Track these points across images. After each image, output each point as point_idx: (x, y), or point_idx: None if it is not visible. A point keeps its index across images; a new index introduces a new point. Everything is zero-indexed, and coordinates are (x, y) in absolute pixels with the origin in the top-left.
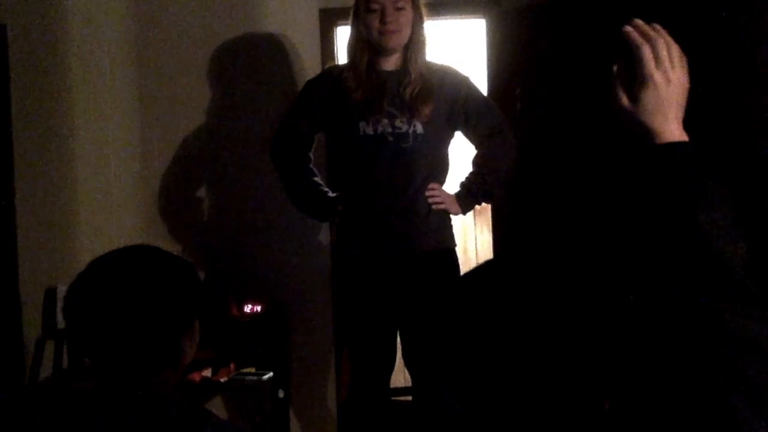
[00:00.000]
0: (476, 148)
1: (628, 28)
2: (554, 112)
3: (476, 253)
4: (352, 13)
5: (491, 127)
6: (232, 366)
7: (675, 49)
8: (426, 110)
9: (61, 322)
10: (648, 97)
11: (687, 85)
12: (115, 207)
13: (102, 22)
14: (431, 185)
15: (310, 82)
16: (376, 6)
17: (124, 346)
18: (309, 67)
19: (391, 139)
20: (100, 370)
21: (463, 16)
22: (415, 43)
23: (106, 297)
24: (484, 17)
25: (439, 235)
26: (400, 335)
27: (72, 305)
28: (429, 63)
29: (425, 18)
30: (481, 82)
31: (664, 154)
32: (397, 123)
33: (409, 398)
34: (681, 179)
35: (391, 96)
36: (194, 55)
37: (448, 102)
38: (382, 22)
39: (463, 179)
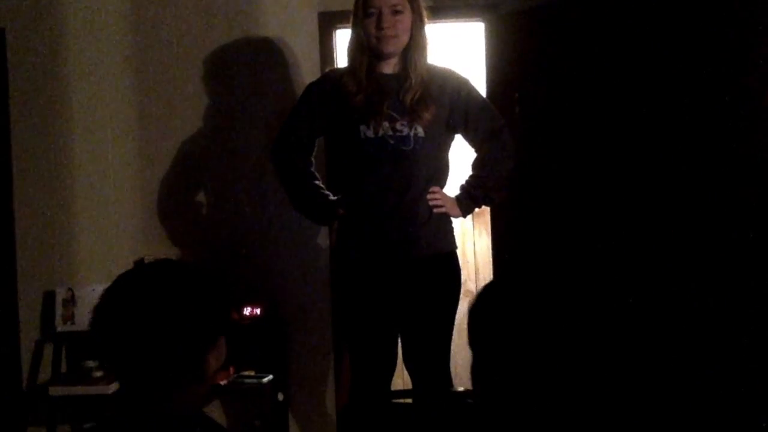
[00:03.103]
0: (476, 151)
1: None
2: (553, 116)
3: (474, 256)
4: (351, 16)
5: (491, 130)
6: (231, 369)
7: None
8: (427, 114)
9: (59, 325)
10: None
11: None
12: (113, 211)
13: (101, 26)
14: (432, 188)
15: (310, 86)
16: (373, 10)
17: (152, 362)
18: (308, 70)
19: (392, 142)
20: (128, 385)
21: (461, 20)
22: (415, 46)
23: (135, 314)
24: (482, 21)
25: (440, 238)
26: (401, 338)
27: (101, 321)
28: (429, 66)
29: (426, 21)
30: (479, 85)
31: None
32: (398, 126)
33: (409, 401)
34: None
35: (391, 99)
36: (193, 58)
37: (448, 105)
38: (379, 27)
39: (463, 182)
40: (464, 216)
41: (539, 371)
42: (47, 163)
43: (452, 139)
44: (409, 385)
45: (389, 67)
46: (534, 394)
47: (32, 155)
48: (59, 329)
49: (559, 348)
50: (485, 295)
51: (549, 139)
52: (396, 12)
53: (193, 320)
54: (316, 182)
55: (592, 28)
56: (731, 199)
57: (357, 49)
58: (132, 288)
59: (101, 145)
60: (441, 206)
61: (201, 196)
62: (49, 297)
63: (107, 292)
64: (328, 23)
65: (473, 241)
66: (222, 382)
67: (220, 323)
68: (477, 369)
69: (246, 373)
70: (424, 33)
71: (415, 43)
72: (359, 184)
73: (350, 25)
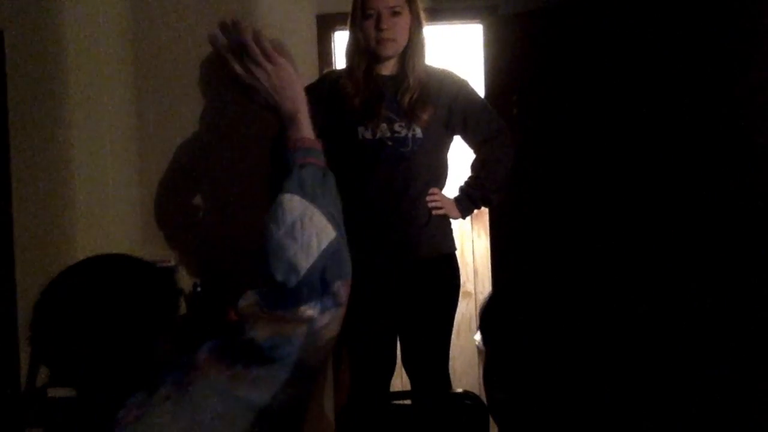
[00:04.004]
0: (475, 152)
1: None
2: (551, 118)
3: (473, 258)
4: (349, 18)
5: (489, 131)
6: None
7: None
8: (425, 116)
9: None
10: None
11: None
12: (112, 210)
13: (99, 28)
14: (431, 190)
15: (308, 88)
16: (371, 11)
17: (92, 357)
18: (306, 72)
19: (390, 143)
20: (73, 383)
21: (460, 22)
22: (413, 48)
23: (71, 312)
24: (481, 23)
25: (440, 240)
26: (400, 340)
27: (38, 323)
28: (428, 67)
29: (424, 23)
30: (477, 87)
31: None
32: (396, 127)
33: (408, 402)
34: None
35: (389, 101)
36: (191, 60)
37: (446, 107)
38: (378, 28)
39: (462, 184)
40: (463, 217)
41: (553, 372)
42: (46, 164)
43: (451, 140)
44: (408, 387)
45: (387, 69)
46: (548, 394)
47: (31, 156)
48: None
49: (573, 348)
50: (497, 296)
51: (547, 141)
52: (395, 13)
53: (129, 309)
54: None
55: (591, 31)
56: (731, 201)
57: (355, 50)
58: (60, 289)
59: (100, 145)
60: (440, 208)
61: (199, 197)
62: None
63: (38, 303)
64: (326, 25)
65: (472, 243)
66: None
67: (159, 309)
68: (490, 370)
69: None
70: (422, 34)
71: (413, 44)
72: (357, 186)
73: (348, 26)
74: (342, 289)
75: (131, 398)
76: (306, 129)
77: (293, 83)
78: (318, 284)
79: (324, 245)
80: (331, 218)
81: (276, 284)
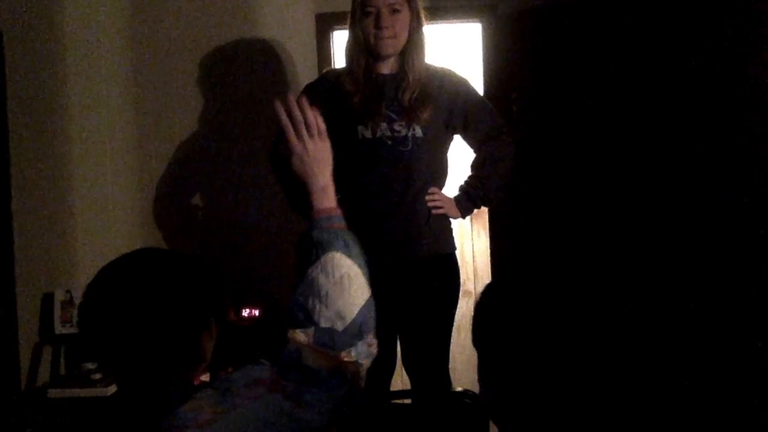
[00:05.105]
0: (475, 151)
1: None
2: (549, 116)
3: (473, 257)
4: (349, 16)
5: (490, 130)
6: (229, 370)
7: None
8: (425, 114)
9: (58, 327)
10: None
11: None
12: (112, 212)
13: (99, 28)
14: (431, 189)
15: (307, 87)
16: (371, 9)
17: (146, 350)
18: (305, 71)
19: (390, 143)
20: (121, 376)
21: (459, 21)
22: (413, 46)
23: (123, 302)
24: (480, 21)
25: (439, 239)
26: (400, 340)
27: (88, 314)
28: (428, 66)
29: (424, 21)
30: (477, 86)
31: None
32: (396, 126)
33: (408, 401)
34: None
35: (389, 99)
36: (191, 60)
37: (446, 105)
38: (378, 26)
39: (462, 183)
40: (463, 217)
41: (544, 371)
42: (46, 165)
43: (451, 139)
44: (408, 386)
45: (387, 67)
46: (539, 393)
47: (31, 157)
48: (58, 331)
49: (562, 347)
50: (489, 295)
51: (545, 139)
52: (394, 11)
53: (183, 303)
54: None
55: (588, 30)
56: (729, 201)
57: (355, 49)
58: (115, 279)
59: (100, 146)
60: (440, 207)
61: (199, 197)
62: (47, 299)
63: (90, 287)
64: (325, 24)
65: (472, 242)
66: None
67: (209, 304)
68: (482, 369)
69: None
70: (422, 33)
71: (413, 42)
72: (357, 185)
73: (347, 26)
74: (373, 340)
75: (198, 394)
76: (333, 199)
77: (328, 160)
78: (358, 333)
79: (363, 301)
80: (367, 278)
81: (322, 328)
